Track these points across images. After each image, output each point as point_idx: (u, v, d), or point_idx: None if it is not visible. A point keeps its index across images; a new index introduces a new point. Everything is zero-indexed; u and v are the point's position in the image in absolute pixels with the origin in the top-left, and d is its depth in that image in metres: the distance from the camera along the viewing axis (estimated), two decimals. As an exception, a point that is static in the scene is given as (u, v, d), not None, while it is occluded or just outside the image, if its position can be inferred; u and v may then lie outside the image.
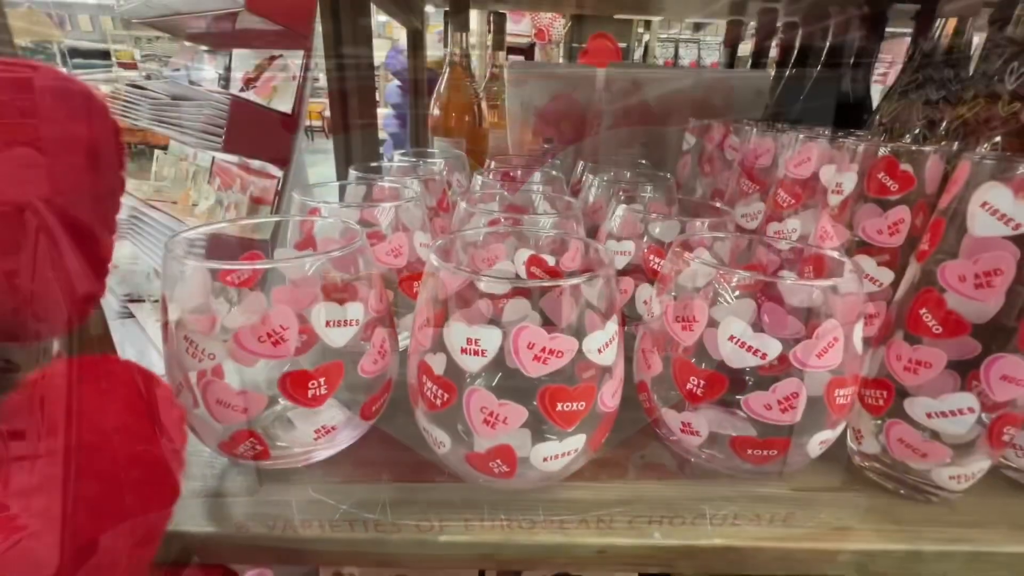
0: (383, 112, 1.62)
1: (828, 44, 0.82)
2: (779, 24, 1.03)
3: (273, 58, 1.04)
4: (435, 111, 0.91)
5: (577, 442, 0.25)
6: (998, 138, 0.48)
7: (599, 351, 0.24)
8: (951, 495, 0.29)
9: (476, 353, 0.23)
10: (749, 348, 0.25)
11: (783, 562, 0.26)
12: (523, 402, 0.24)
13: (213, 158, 1.20)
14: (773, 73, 0.90)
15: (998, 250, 0.24)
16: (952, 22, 0.56)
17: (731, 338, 0.25)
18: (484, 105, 0.94)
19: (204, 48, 1.33)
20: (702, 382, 0.27)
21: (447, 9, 0.89)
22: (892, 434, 0.28)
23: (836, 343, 0.25)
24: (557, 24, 3.52)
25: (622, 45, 3.60)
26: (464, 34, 0.88)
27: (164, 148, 1.46)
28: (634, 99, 0.91)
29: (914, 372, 0.27)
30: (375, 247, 0.35)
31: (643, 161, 0.83)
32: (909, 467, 0.29)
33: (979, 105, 0.49)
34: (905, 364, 0.27)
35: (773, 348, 0.25)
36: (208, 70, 1.26)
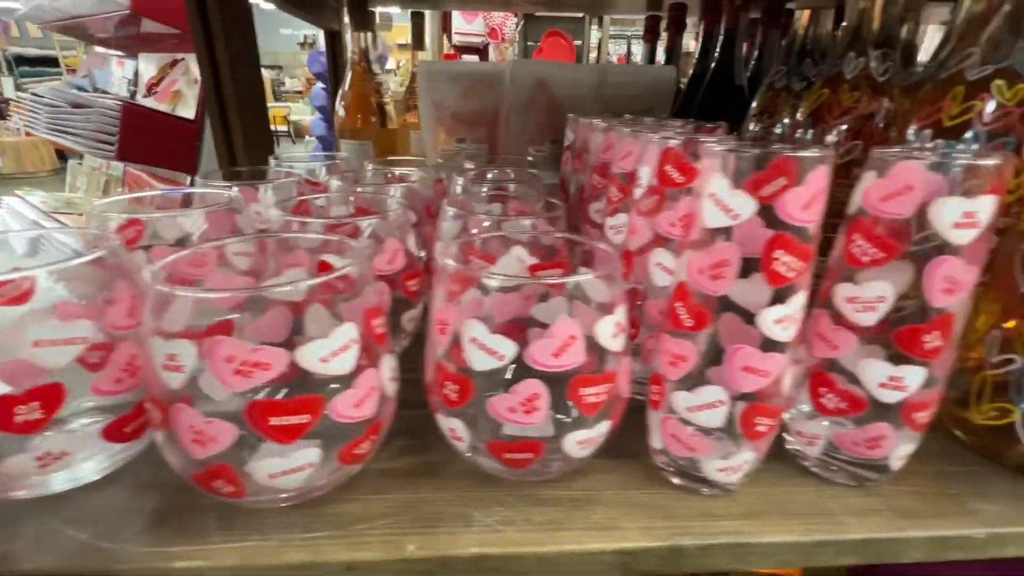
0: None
1: (724, 37, 0.83)
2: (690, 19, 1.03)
3: (175, 62, 1.00)
4: (340, 113, 0.89)
5: (309, 455, 0.24)
6: (844, 127, 0.48)
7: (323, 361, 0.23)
8: (728, 488, 0.29)
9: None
10: (488, 350, 0.24)
11: (544, 566, 0.26)
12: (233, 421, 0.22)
13: (124, 167, 1.16)
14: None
15: (716, 240, 0.24)
16: (807, 12, 0.57)
17: (472, 340, 0.25)
18: (391, 106, 0.92)
19: (114, 53, 1.28)
20: (456, 387, 0.26)
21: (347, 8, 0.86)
22: (665, 429, 0.28)
23: (574, 341, 0.24)
24: (510, 23, 3.52)
25: (577, 43, 3.61)
26: (365, 34, 0.86)
27: (80, 158, 1.41)
28: (541, 96, 0.91)
29: (674, 366, 0.27)
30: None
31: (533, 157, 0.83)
32: (684, 461, 0.29)
33: (823, 95, 0.50)
34: (668, 359, 0.27)
35: (509, 349, 0.24)
36: (117, 75, 1.22)
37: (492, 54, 3.68)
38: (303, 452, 0.24)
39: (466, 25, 3.56)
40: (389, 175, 0.57)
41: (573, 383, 0.25)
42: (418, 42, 1.20)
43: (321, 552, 0.25)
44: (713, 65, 0.84)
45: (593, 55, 3.59)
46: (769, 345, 0.25)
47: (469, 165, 0.59)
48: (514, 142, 0.92)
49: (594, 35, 3.67)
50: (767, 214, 0.23)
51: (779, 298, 0.24)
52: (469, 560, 0.25)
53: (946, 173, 0.23)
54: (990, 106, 0.34)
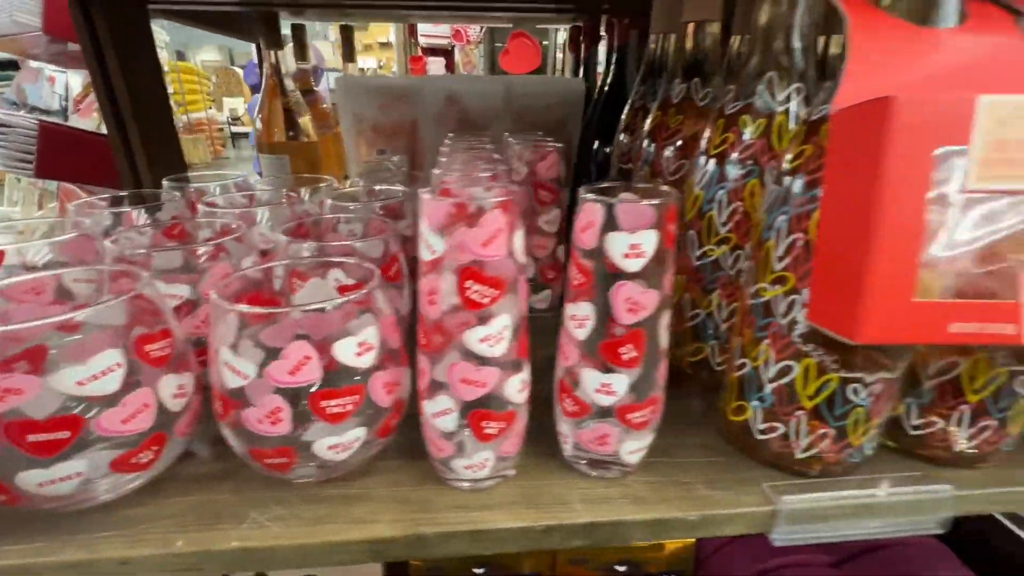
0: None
1: (617, 53, 0.87)
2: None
3: (99, 79, 1.01)
4: (258, 127, 0.92)
5: (76, 466, 0.27)
6: (671, 148, 0.52)
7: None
8: (478, 483, 0.33)
9: None
10: (234, 370, 0.28)
11: (300, 556, 0.30)
12: None
13: (58, 182, 1.17)
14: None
15: (432, 272, 0.28)
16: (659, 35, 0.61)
17: (225, 363, 0.28)
18: (308, 120, 0.95)
19: (47, 67, 1.29)
20: (220, 402, 0.30)
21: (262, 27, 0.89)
22: (425, 433, 0.32)
23: (308, 361, 0.28)
24: (474, 26, 3.54)
25: (545, 43, 3.64)
26: (276, 51, 0.89)
27: (20, 171, 1.41)
28: (451, 109, 0.94)
29: (420, 378, 0.31)
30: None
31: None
32: (440, 461, 0.32)
33: (657, 117, 0.54)
34: (418, 373, 0.31)
35: (251, 369, 0.28)
36: (47, 90, 1.23)
37: (458, 56, 3.71)
38: (68, 464, 0.27)
39: (432, 28, 3.58)
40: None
41: (313, 397, 0.28)
42: (348, 54, 1.23)
43: (98, 549, 0.29)
44: (609, 80, 0.88)
45: (560, 56, 3.62)
46: (482, 360, 0.29)
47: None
48: (430, 154, 0.96)
49: (560, 36, 3.71)
50: (458, 250, 0.27)
51: (482, 320, 0.28)
52: (231, 553, 0.29)
53: (613, 211, 0.27)
54: (745, 135, 0.38)
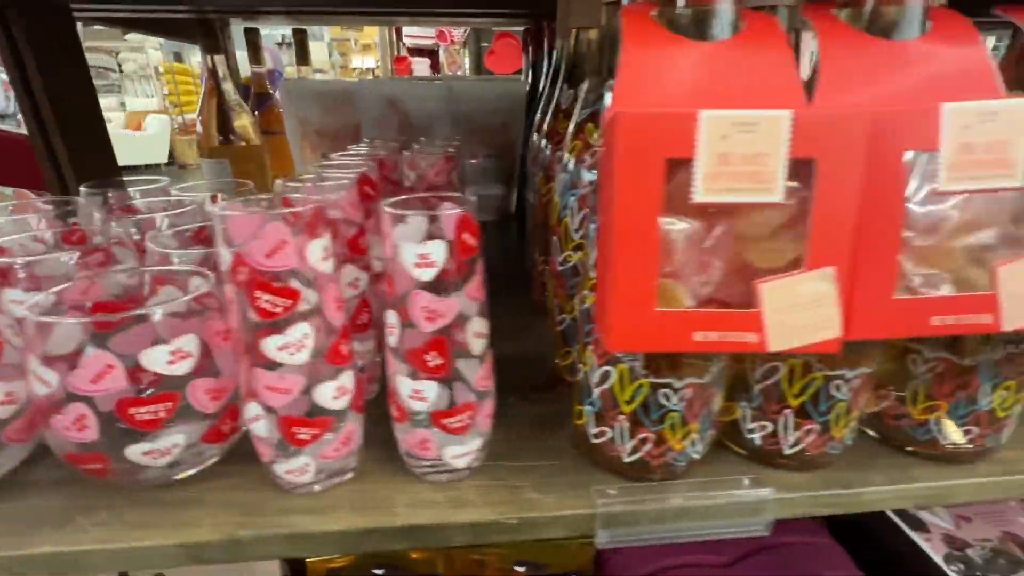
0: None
1: (549, 53, 0.87)
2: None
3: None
4: (199, 131, 0.93)
5: None
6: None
7: None
8: (298, 487, 0.33)
9: None
10: (41, 379, 0.29)
11: (115, 561, 0.30)
12: None
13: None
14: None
15: (228, 283, 0.28)
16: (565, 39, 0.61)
17: (31, 372, 0.29)
18: (250, 124, 0.96)
19: None
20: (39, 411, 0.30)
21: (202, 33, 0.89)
22: (253, 438, 0.33)
23: (112, 370, 0.28)
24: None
25: (530, 43, 3.63)
26: (213, 56, 0.89)
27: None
28: (392, 113, 0.95)
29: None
30: None
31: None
32: (266, 465, 0.33)
33: (551, 122, 0.55)
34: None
35: (54, 379, 0.29)
36: (1, 95, 1.23)
37: (443, 56, 3.71)
38: None
39: (416, 28, 3.58)
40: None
41: (119, 404, 0.29)
42: (302, 58, 1.24)
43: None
44: (548, 83, 0.88)
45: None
46: (285, 367, 0.29)
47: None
48: (371, 157, 0.96)
49: (544, 35, 3.69)
50: (244, 261, 0.27)
51: (278, 328, 0.28)
52: (43, 557, 0.30)
53: (406, 223, 0.28)
54: (592, 142, 0.39)
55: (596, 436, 0.35)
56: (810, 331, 0.24)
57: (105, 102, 5.11)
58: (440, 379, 0.31)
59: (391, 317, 0.30)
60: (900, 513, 0.56)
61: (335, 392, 0.31)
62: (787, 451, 0.35)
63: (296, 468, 0.32)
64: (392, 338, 0.31)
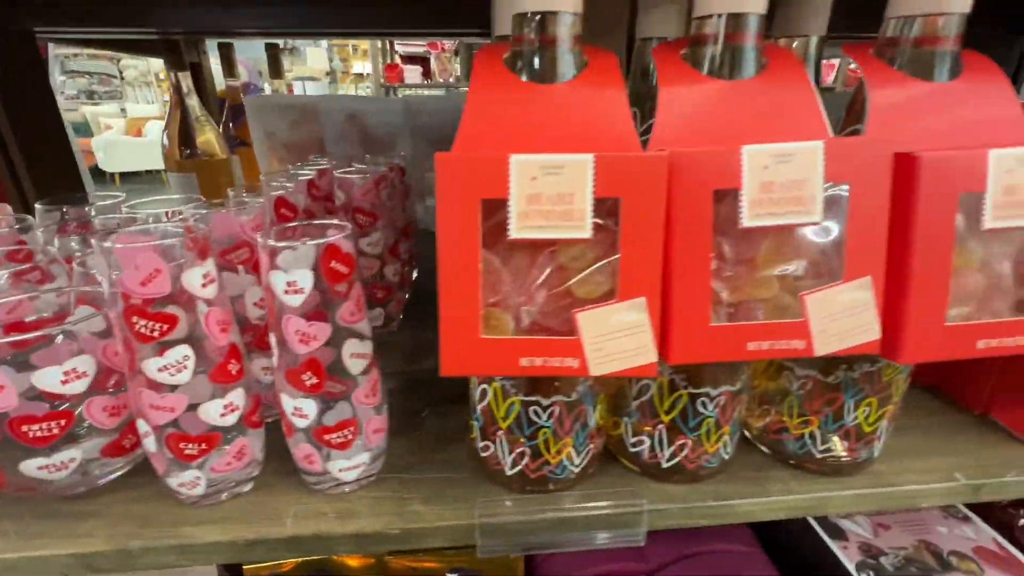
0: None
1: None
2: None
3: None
4: (164, 144, 0.95)
5: None
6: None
7: None
8: (192, 499, 0.35)
9: None
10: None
11: (11, 571, 0.32)
12: None
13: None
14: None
15: (111, 309, 0.30)
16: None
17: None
18: (215, 138, 0.98)
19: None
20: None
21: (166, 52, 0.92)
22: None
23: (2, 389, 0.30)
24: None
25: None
26: (177, 72, 0.92)
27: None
28: (352, 128, 0.97)
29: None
30: None
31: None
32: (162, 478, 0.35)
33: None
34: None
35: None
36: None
37: (434, 64, 3.75)
38: None
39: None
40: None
41: (11, 423, 0.31)
42: (275, 71, 1.26)
43: None
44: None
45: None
46: (167, 387, 0.31)
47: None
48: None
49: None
50: (121, 289, 0.29)
51: (158, 351, 0.30)
52: (-59, 565, 0.32)
53: (277, 253, 0.30)
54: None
55: (482, 450, 0.37)
56: (628, 357, 0.25)
57: (107, 108, 5.18)
58: (318, 397, 0.32)
59: (272, 339, 0.32)
60: (821, 521, 0.57)
61: (222, 409, 0.33)
62: (665, 464, 0.37)
63: (187, 481, 0.34)
64: (275, 358, 0.33)
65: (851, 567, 0.52)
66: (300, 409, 0.33)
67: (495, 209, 0.24)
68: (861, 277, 0.25)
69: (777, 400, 0.39)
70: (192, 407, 0.32)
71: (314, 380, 0.32)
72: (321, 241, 0.30)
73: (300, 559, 0.58)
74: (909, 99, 0.29)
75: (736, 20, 0.28)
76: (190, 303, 0.31)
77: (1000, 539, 0.55)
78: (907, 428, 0.44)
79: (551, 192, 0.23)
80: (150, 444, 0.33)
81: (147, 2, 0.80)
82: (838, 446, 0.37)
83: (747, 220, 0.25)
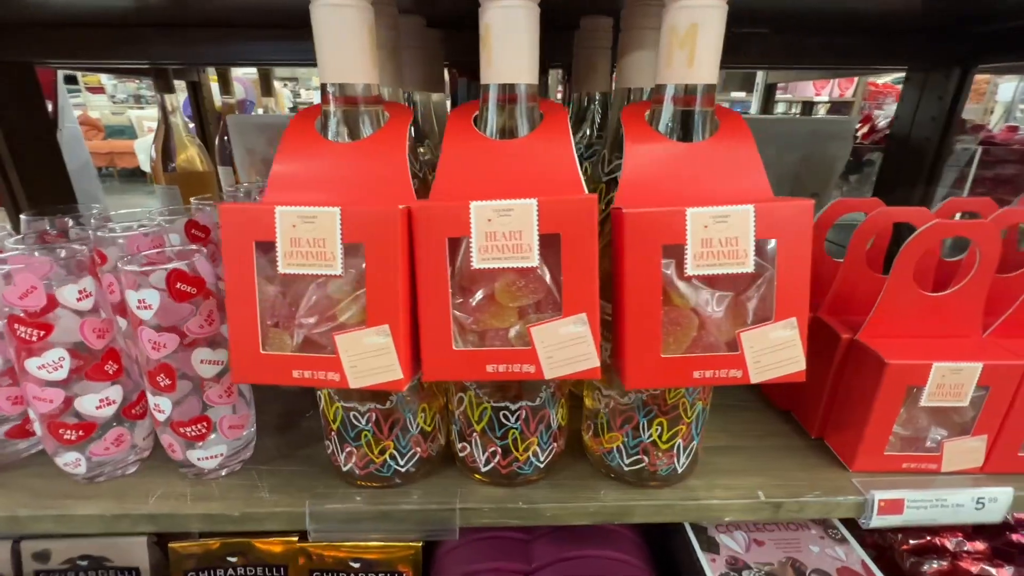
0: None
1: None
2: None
3: None
4: (152, 157, 1.05)
5: None
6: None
7: None
8: (76, 477, 0.41)
9: None
10: None
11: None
12: None
13: None
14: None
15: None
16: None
17: None
18: (197, 154, 1.07)
19: None
20: None
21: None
22: (41, 436, 0.41)
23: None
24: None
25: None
26: (165, 95, 1.01)
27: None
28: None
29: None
30: None
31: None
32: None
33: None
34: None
35: None
36: None
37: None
38: None
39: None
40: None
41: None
42: (266, 89, 1.35)
43: None
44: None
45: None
46: (47, 383, 0.37)
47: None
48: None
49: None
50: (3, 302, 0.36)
51: (36, 352, 0.37)
52: None
53: (132, 275, 0.36)
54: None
55: (327, 447, 0.42)
56: (379, 373, 0.30)
57: (151, 112, 5.48)
58: (171, 396, 0.38)
59: (136, 347, 0.39)
60: (699, 534, 0.60)
61: (98, 403, 0.39)
62: (483, 468, 0.41)
63: (70, 462, 0.40)
64: (140, 363, 0.39)
65: (711, 578, 0.55)
66: (158, 405, 0.39)
67: (268, 249, 0.30)
68: (577, 313, 0.29)
69: (594, 417, 0.43)
70: (71, 400, 0.39)
71: (167, 381, 0.38)
72: (165, 267, 0.36)
73: (222, 540, 0.64)
74: (659, 157, 0.33)
75: (688, 89, 0.32)
76: (68, 313, 0.37)
77: (869, 562, 0.57)
78: (740, 448, 0.47)
79: (308, 236, 0.29)
80: (38, 429, 0.39)
81: (138, 37, 0.89)
82: (643, 461, 0.41)
83: (692, 270, 0.30)
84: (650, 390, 0.38)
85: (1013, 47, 0.76)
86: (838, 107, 3.65)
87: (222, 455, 0.42)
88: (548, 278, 0.30)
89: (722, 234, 0.29)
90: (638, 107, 0.36)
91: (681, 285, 0.30)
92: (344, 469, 0.41)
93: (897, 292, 0.42)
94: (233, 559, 0.64)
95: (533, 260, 0.29)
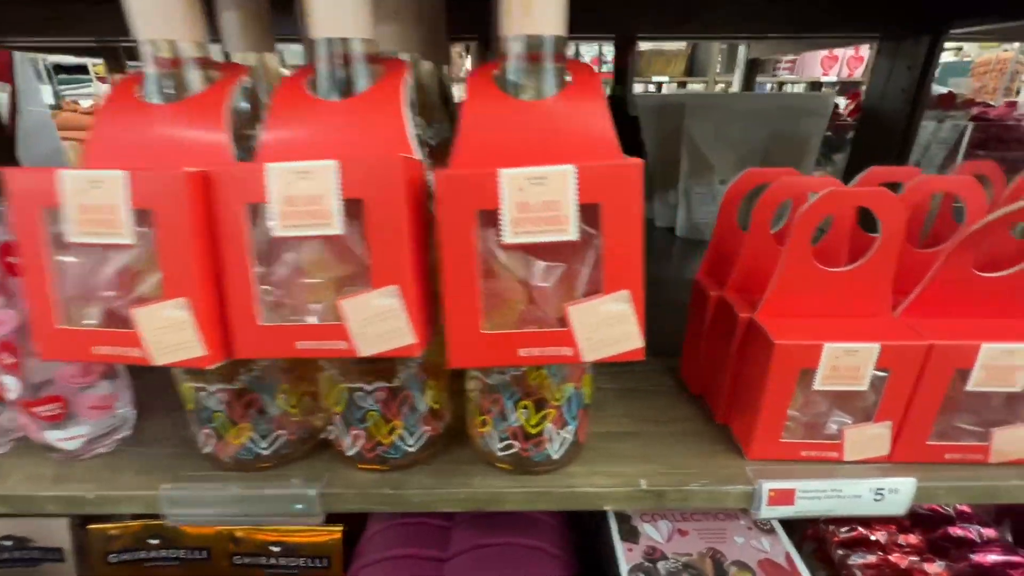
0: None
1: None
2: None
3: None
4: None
5: None
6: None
7: None
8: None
9: None
10: None
11: None
12: None
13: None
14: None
15: None
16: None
17: None
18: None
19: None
20: None
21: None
22: None
23: None
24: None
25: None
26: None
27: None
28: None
29: None
30: None
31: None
32: None
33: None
34: None
35: None
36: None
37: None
38: None
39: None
40: None
41: None
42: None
43: None
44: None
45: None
46: None
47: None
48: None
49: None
50: None
51: None
52: None
53: (-42, 247, 0.34)
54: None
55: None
56: (182, 349, 0.28)
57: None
58: (18, 375, 0.37)
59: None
60: (621, 523, 0.58)
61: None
62: (348, 453, 0.39)
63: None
64: (-13, 345, 0.38)
65: (624, 569, 0.53)
66: (5, 385, 0.37)
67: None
68: (388, 286, 0.27)
69: (468, 401, 0.40)
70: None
71: (12, 360, 0.37)
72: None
73: (144, 523, 0.64)
74: (497, 116, 0.30)
75: (532, 41, 0.29)
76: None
77: (794, 555, 0.54)
78: (639, 434, 0.45)
79: (93, 203, 0.27)
80: None
81: (72, 13, 0.87)
82: (514, 446, 0.39)
83: (509, 237, 0.27)
84: (511, 370, 0.36)
85: (983, 11, 0.71)
86: (847, 87, 3.53)
87: (84, 436, 0.41)
88: (360, 249, 0.28)
89: (540, 197, 0.26)
90: (488, 66, 0.33)
91: (503, 255, 0.28)
92: (204, 452, 0.40)
93: (794, 268, 0.39)
94: (155, 541, 0.64)
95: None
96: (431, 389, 0.39)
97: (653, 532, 0.58)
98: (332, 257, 0.28)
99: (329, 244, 0.28)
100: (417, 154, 0.29)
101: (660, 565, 0.54)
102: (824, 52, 3.45)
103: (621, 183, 0.26)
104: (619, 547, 0.56)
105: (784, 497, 0.39)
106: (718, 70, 3.37)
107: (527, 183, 0.26)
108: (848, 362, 0.37)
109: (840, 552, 0.56)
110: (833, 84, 3.56)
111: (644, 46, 3.35)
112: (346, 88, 0.31)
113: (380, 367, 0.36)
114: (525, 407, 0.37)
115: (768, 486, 0.39)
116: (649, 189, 1.06)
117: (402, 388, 0.37)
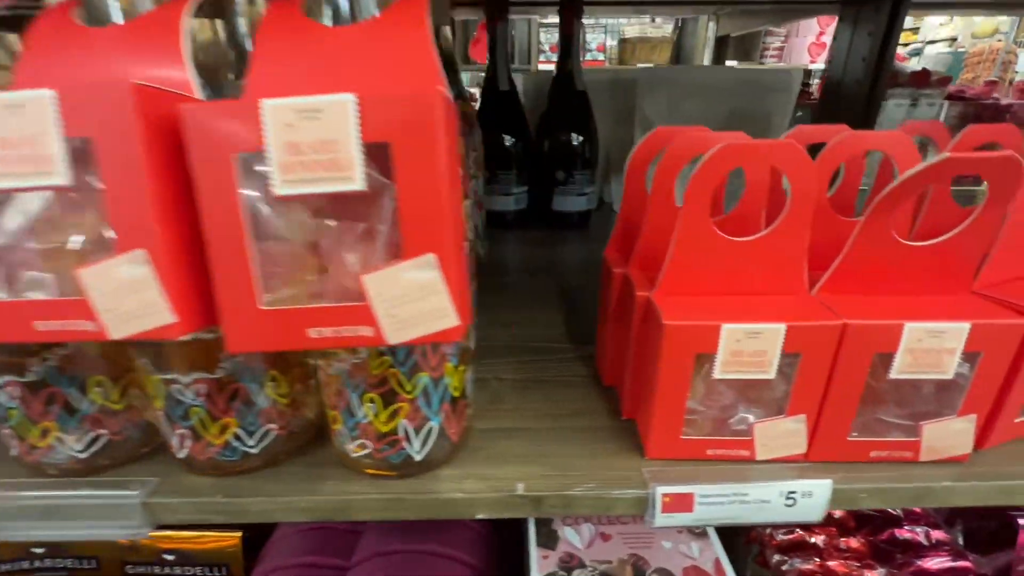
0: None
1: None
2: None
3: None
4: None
5: None
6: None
7: None
8: None
9: None
10: None
11: None
12: None
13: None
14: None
15: None
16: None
17: None
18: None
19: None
20: None
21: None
22: None
23: None
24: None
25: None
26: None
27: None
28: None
29: None
30: None
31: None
32: None
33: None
34: None
35: None
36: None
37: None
38: None
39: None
40: None
41: None
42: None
43: None
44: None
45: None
46: None
47: None
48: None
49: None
50: None
51: None
52: None
53: None
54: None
55: (3, 430, 0.35)
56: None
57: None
58: None
59: None
60: (540, 528, 0.53)
61: None
62: (179, 455, 0.34)
63: None
64: None
65: (535, 577, 0.48)
66: None
67: None
68: (132, 251, 0.22)
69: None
70: None
71: None
72: None
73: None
74: (295, 45, 0.24)
75: None
76: None
77: (724, 562, 0.49)
78: (532, 431, 0.40)
79: (312, 139, 0.21)
80: None
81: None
82: (367, 447, 0.33)
83: (279, 188, 0.22)
84: (350, 357, 0.30)
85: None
86: (836, 75, 3.46)
87: None
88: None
89: (315, 135, 0.21)
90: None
91: (276, 211, 0.22)
92: (11, 455, 0.34)
93: (691, 238, 0.33)
94: (39, 550, 0.59)
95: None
96: (274, 381, 0.34)
97: (574, 537, 0.52)
98: (66, 219, 0.22)
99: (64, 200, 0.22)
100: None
101: (576, 574, 0.49)
102: (811, 39, 3.39)
103: (417, 117, 0.21)
104: (534, 554, 0.51)
105: (681, 503, 0.34)
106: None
107: (297, 117, 0.21)
108: (751, 346, 0.32)
109: (776, 557, 0.51)
110: (822, 71, 3.50)
111: (628, 33, 3.29)
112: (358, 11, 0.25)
113: (194, 355, 0.30)
114: (372, 400, 0.31)
115: (662, 490, 0.33)
116: (604, 169, 1.00)
117: (230, 380, 0.32)
